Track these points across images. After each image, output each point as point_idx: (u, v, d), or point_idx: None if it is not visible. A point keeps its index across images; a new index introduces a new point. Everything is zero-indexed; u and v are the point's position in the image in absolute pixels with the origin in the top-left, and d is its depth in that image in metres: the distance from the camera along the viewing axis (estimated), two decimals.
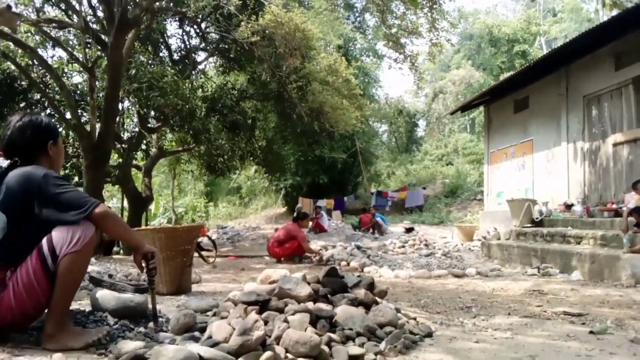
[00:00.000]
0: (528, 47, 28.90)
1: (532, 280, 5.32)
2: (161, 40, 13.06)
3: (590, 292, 4.29)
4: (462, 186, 20.73)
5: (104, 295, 2.37)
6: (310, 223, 11.70)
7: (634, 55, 7.46)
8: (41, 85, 10.38)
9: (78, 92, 11.25)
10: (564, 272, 5.75)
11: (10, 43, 9.43)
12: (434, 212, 17.87)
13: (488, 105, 12.03)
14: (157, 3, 10.02)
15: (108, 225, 1.97)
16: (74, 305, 2.47)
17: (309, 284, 2.48)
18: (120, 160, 12.51)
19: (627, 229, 5.33)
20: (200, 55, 14.00)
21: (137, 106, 11.44)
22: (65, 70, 11.90)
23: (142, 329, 2.21)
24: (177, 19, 12.72)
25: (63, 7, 10.98)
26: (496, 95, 11.37)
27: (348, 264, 6.67)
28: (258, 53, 10.11)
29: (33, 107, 11.29)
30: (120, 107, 11.06)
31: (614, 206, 6.97)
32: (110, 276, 4.29)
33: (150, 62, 12.09)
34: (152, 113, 11.89)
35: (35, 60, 9.98)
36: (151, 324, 2.25)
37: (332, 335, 2.07)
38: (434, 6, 10.56)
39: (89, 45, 9.60)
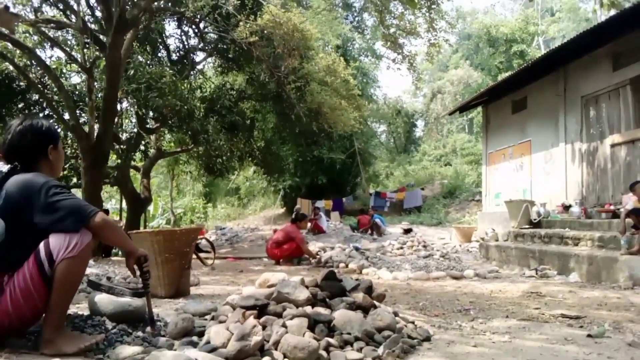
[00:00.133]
0: (526, 47, 28.92)
1: (530, 282, 5.33)
2: (159, 40, 13.05)
3: (588, 294, 4.30)
4: (460, 187, 20.71)
5: (102, 299, 2.36)
6: (309, 224, 11.73)
7: (631, 55, 7.46)
8: (39, 86, 10.33)
9: (76, 92, 11.21)
10: (561, 273, 5.75)
11: (8, 43, 9.43)
12: (432, 213, 17.86)
13: (486, 105, 12.03)
14: (156, 3, 10.01)
15: (106, 234, 2.00)
16: (73, 309, 2.47)
17: (307, 287, 2.48)
18: (119, 161, 12.48)
19: (624, 230, 5.32)
20: (199, 56, 14.02)
21: (136, 107, 11.42)
22: (64, 70, 11.89)
23: (140, 333, 2.21)
24: (175, 18, 12.72)
25: (61, 7, 10.95)
26: (494, 96, 11.38)
27: (346, 266, 6.67)
28: (256, 53, 10.12)
29: (31, 108, 11.25)
30: (118, 107, 11.05)
31: (612, 207, 6.97)
32: (108, 279, 4.28)
33: (148, 62, 12.08)
34: (151, 114, 11.87)
35: (33, 61, 9.96)
36: (149, 329, 2.25)
37: (330, 340, 2.07)
38: (432, 6, 10.58)
39: (87, 46, 9.58)
